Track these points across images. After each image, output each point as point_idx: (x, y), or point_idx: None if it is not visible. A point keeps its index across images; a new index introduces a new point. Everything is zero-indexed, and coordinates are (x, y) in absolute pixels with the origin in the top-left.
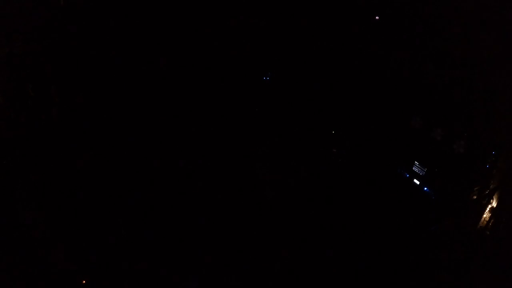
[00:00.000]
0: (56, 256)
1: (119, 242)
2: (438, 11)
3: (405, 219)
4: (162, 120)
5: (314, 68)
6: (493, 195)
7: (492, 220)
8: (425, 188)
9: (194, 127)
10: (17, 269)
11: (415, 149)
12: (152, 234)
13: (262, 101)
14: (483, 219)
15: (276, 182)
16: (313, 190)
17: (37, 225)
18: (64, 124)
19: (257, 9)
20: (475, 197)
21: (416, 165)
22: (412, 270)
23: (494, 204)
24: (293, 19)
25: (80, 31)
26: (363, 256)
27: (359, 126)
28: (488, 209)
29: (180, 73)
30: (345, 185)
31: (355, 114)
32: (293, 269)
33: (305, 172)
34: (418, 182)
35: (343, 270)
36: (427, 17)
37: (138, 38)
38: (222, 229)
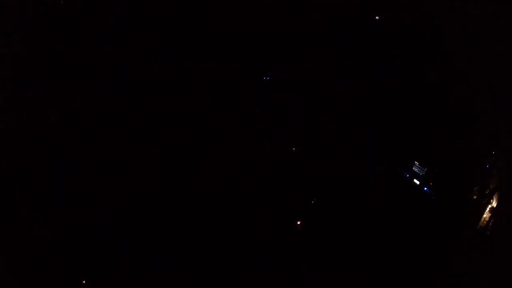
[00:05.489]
0: (56, 256)
1: (119, 242)
2: (438, 11)
3: (405, 219)
4: (161, 120)
5: (313, 67)
6: (493, 195)
7: (492, 220)
8: (425, 188)
9: (194, 127)
10: (17, 269)
11: (415, 149)
12: (152, 234)
13: (262, 101)
14: (483, 219)
15: (275, 181)
16: (313, 190)
17: (37, 225)
18: (64, 124)
19: (257, 9)
20: (475, 197)
21: (416, 165)
22: (412, 270)
23: (494, 204)
24: (293, 19)
25: (79, 31)
26: (363, 256)
27: (359, 125)
28: (488, 209)
29: (181, 73)
30: (345, 185)
31: (355, 114)
32: (294, 269)
33: (305, 171)
34: (418, 182)
35: (343, 270)
36: (427, 17)
37: (138, 38)
38: (221, 228)
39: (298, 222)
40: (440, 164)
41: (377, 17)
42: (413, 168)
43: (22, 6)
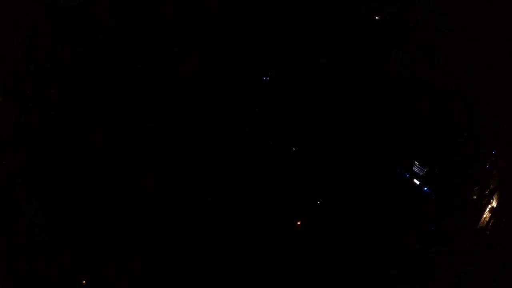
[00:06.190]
0: (56, 256)
1: (119, 242)
2: (438, 11)
3: (405, 219)
4: (161, 120)
5: (313, 67)
6: (493, 195)
7: (492, 220)
8: (425, 188)
9: (194, 127)
10: (17, 269)
11: (415, 149)
12: (152, 234)
13: (262, 101)
14: (483, 219)
15: (275, 181)
16: (313, 190)
17: (37, 225)
18: (64, 124)
19: (257, 9)
20: (475, 197)
21: (416, 165)
22: (412, 270)
23: (494, 204)
24: (293, 18)
25: (79, 31)
26: (363, 256)
27: (359, 125)
28: (488, 209)
29: (180, 73)
30: (345, 185)
31: (355, 114)
32: (296, 269)
33: (305, 171)
34: (418, 182)
35: (343, 270)
36: (427, 17)
37: (138, 38)
38: (221, 229)
39: (298, 222)
40: (440, 164)
41: (377, 17)
42: (413, 168)
43: (22, 6)
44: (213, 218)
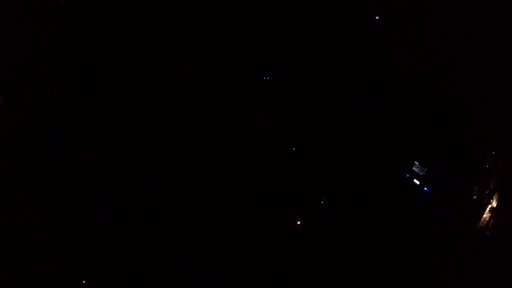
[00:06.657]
0: (56, 257)
1: (119, 242)
2: (438, 11)
3: (405, 219)
4: (161, 119)
5: (314, 67)
6: (493, 195)
7: (492, 220)
8: (425, 188)
9: (194, 127)
10: (17, 269)
11: (415, 149)
12: (152, 234)
13: (262, 101)
14: (483, 219)
15: (276, 181)
16: (314, 190)
17: (37, 225)
18: (64, 124)
19: (257, 9)
20: (475, 197)
21: (416, 165)
22: (413, 270)
23: (494, 204)
24: (293, 19)
25: (80, 31)
26: (363, 255)
27: (359, 126)
28: (488, 209)
29: (180, 73)
30: (345, 185)
31: (355, 114)
32: (295, 269)
33: (305, 171)
34: (418, 182)
35: (343, 270)
36: (427, 17)
37: (138, 38)
38: (221, 228)
39: (298, 223)
40: (440, 164)
41: (377, 17)
42: (413, 168)
43: (22, 6)
44: (215, 218)
